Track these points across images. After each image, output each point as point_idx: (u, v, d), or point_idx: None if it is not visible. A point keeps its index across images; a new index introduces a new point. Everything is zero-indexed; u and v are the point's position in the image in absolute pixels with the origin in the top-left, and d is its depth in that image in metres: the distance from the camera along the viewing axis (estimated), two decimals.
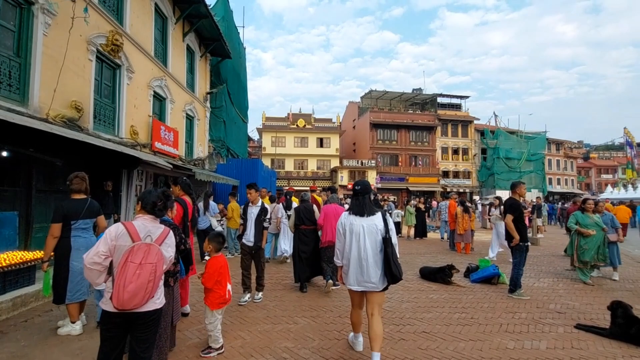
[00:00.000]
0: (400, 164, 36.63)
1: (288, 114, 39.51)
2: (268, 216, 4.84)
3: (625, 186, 34.01)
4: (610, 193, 32.04)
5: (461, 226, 9.57)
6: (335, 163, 36.55)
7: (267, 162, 33.17)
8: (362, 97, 41.19)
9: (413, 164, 36.95)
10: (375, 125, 36.44)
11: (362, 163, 34.86)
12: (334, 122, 39.12)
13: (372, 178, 34.45)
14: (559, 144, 51.56)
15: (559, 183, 49.88)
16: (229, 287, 3.27)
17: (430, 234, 13.63)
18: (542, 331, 3.83)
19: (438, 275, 5.90)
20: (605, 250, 6.05)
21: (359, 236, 2.93)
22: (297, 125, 37.19)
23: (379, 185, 33.66)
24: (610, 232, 6.40)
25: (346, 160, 35.93)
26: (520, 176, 37.06)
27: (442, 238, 12.56)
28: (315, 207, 5.92)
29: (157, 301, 2.08)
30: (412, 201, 13.34)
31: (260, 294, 4.85)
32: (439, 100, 40.80)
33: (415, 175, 36.10)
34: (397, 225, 13.93)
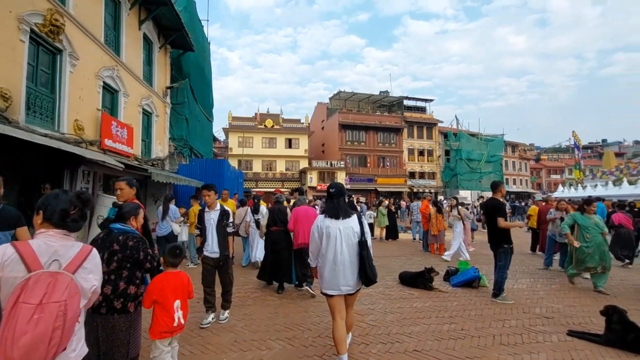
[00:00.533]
0: (369, 165, 36.89)
1: (256, 114, 38.41)
2: (231, 219, 4.21)
3: (573, 185, 36.76)
4: (561, 192, 34.31)
5: (435, 227, 9.45)
6: (304, 164, 36.05)
7: (234, 163, 31.95)
8: (330, 98, 41.11)
9: (381, 165, 37.36)
10: (344, 126, 36.42)
11: (331, 164, 34.65)
12: (303, 123, 38.63)
13: (341, 179, 34.34)
14: (514, 146, 54.76)
15: (514, 183, 52.89)
16: (178, 314, 2.60)
17: (400, 235, 13.53)
18: (537, 341, 3.57)
19: (418, 280, 5.59)
20: (608, 257, 5.52)
21: (335, 240, 2.86)
22: (265, 125, 36.25)
23: (349, 187, 33.60)
24: None
25: (315, 161, 35.57)
26: (481, 177, 38.82)
27: (415, 239, 12.49)
28: (288, 209, 5.95)
29: (73, 354, 1.44)
30: (385, 202, 13.15)
31: (226, 312, 4.21)
32: (405, 102, 41.72)
33: (383, 176, 36.52)
34: (370, 227, 13.73)
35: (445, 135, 40.97)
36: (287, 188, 32.16)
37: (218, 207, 4.14)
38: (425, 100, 43.03)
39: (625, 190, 20.80)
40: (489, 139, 44.57)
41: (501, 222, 4.80)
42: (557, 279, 6.42)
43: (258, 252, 7.35)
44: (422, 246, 10.44)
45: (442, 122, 42.35)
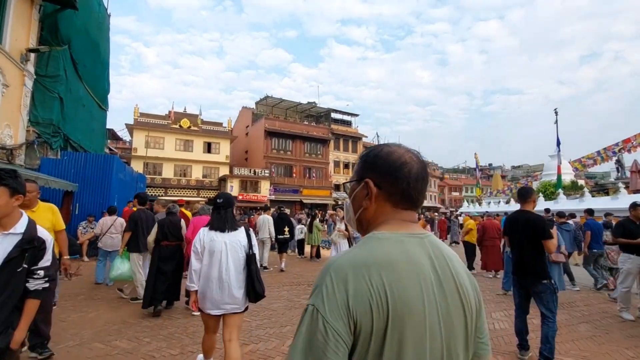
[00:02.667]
0: (294, 175, 35.40)
1: (170, 111, 33.60)
2: (46, 260, 1.93)
3: (475, 201, 41.15)
4: (466, 207, 37.88)
5: None
6: (224, 171, 32.80)
7: (138, 166, 27.13)
8: (257, 103, 38.83)
9: (307, 175, 36.22)
10: (270, 134, 34.41)
11: (255, 172, 32.16)
12: (225, 127, 35.41)
13: (265, 189, 32.09)
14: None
15: (426, 198, 57.46)
16: None
17: (323, 252, 11.87)
18: None
19: None
20: None
21: (221, 254, 2.70)
22: (180, 125, 32.04)
23: (273, 197, 31.52)
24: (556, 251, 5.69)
25: (237, 168, 32.65)
26: None
27: None
28: (183, 222, 5.29)
29: None
30: (319, 215, 11.56)
31: None
32: (332, 115, 41.83)
33: (309, 187, 35.38)
34: (301, 244, 11.93)
35: None
36: (204, 197, 28.56)
37: (21, 222, 1.86)
38: (351, 115, 43.83)
39: (514, 206, 23.33)
40: None
41: (550, 243, 3.27)
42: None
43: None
44: None
45: (366, 136, 43.53)
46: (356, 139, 42.19)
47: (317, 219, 11.23)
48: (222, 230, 2.76)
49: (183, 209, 6.63)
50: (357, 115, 44.14)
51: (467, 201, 52.61)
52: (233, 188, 30.88)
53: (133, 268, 5.35)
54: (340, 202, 37.88)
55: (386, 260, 0.73)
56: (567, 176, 27.74)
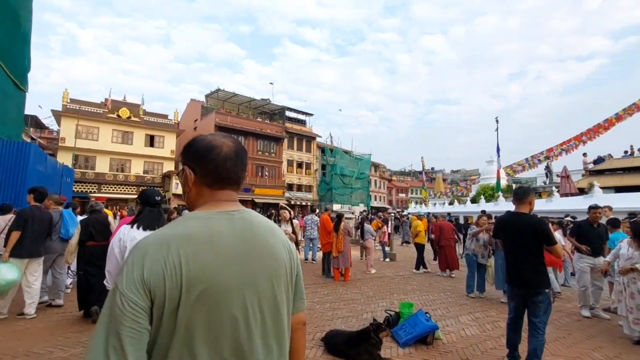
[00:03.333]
0: (246, 173, 33.95)
1: (106, 99, 30.15)
2: None
3: (421, 203, 43.40)
4: (414, 208, 39.71)
5: (336, 246, 7.77)
6: (169, 167, 30.42)
7: (66, 158, 23.88)
8: (207, 96, 36.66)
9: (260, 174, 35.08)
10: (221, 129, 32.61)
11: None
12: (171, 120, 32.91)
13: None
14: (376, 166, 61.57)
15: (375, 199, 59.17)
16: None
17: None
18: None
19: (361, 348, 3.49)
20: None
21: None
22: (118, 115, 29.01)
23: None
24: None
25: None
26: (352, 192, 41.25)
27: (307, 259, 10.62)
28: (110, 218, 5.27)
29: None
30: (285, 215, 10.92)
31: None
32: (287, 114, 41.09)
33: (261, 186, 34.27)
34: None
35: (322, 150, 42.13)
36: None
37: None
38: (306, 114, 43.48)
39: (457, 208, 24.97)
40: (359, 157, 48.48)
41: (558, 249, 3.02)
42: (493, 310, 5.46)
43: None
44: (322, 271, 8.60)
45: (320, 136, 43.46)
46: (310, 138, 41.94)
47: (284, 220, 10.59)
48: (152, 229, 2.56)
49: (107, 211, 6.12)
50: (311, 114, 43.92)
51: (414, 202, 55.34)
52: (178, 185, 28.67)
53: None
54: (292, 202, 37.30)
55: (186, 234, 0.84)
56: (502, 180, 30.38)
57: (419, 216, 12.16)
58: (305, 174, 40.93)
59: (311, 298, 6.05)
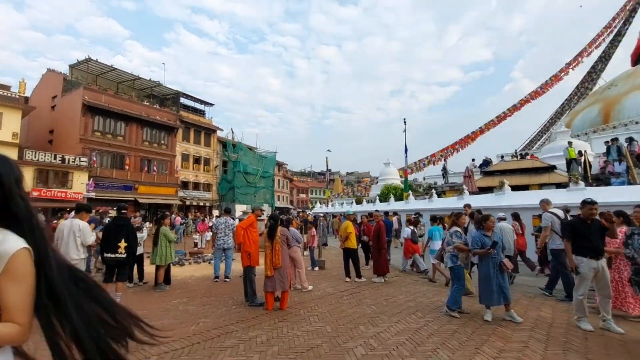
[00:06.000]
0: (127, 167, 27.81)
1: None
2: None
3: (324, 203, 43.68)
4: (319, 208, 39.38)
5: (271, 262, 5.50)
6: (11, 155, 21.95)
7: None
8: (73, 67, 28.70)
9: (146, 169, 29.18)
10: (92, 109, 25.83)
11: (64, 159, 23.29)
12: (15, 92, 24.48)
13: (81, 183, 23.72)
14: (280, 165, 60.01)
15: (278, 199, 57.51)
16: None
17: (175, 270, 8.43)
18: None
19: None
20: None
21: None
22: None
23: (92, 194, 23.60)
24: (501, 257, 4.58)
25: (34, 152, 22.88)
26: (257, 191, 38.44)
27: (217, 277, 7.92)
28: None
29: None
30: (168, 217, 7.85)
31: None
32: (183, 101, 35.76)
33: (147, 183, 28.56)
34: (139, 260, 7.84)
35: (224, 144, 38.22)
36: None
37: None
38: (206, 103, 38.77)
39: (367, 206, 25.20)
40: (263, 155, 46.00)
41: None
42: (493, 336, 4.10)
43: None
44: (244, 296, 6.11)
45: (222, 130, 39.36)
46: (211, 131, 37.49)
47: (166, 225, 7.50)
48: None
49: None
50: (212, 104, 39.44)
51: (319, 202, 55.59)
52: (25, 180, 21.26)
53: None
54: (188, 202, 32.43)
55: None
56: (396, 181, 32.63)
57: (348, 215, 9.86)
58: (204, 170, 36.33)
59: (241, 351, 3.67)
